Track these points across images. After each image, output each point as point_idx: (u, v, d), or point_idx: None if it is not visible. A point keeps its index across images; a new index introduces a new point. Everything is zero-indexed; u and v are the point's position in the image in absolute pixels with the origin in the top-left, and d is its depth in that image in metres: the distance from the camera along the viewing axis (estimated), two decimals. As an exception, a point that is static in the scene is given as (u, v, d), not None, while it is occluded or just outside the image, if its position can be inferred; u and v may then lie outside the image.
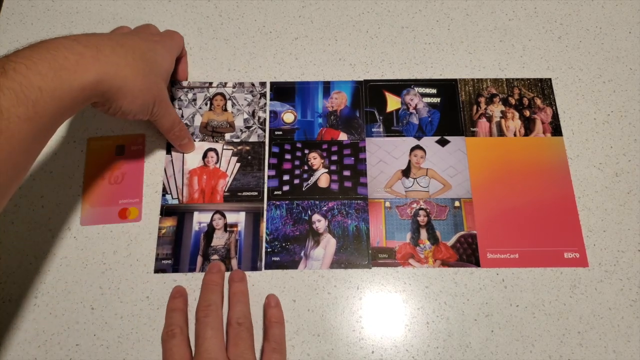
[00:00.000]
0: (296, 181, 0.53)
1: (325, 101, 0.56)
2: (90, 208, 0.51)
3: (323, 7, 0.61)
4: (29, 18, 0.61)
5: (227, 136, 0.54)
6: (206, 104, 0.56)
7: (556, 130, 0.55)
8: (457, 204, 0.52)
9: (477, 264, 0.49)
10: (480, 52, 0.59)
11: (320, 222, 0.51)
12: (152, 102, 0.46)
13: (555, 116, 0.56)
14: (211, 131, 0.55)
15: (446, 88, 0.57)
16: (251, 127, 0.54)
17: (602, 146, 0.54)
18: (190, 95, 0.56)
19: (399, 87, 0.57)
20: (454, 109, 0.56)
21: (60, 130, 0.55)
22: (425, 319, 0.48)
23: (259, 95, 0.55)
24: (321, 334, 0.47)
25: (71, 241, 0.50)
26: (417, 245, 0.50)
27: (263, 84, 0.57)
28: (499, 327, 0.47)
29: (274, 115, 0.56)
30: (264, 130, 0.55)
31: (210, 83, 0.57)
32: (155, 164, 0.54)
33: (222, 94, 0.56)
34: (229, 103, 0.56)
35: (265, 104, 0.56)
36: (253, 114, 0.55)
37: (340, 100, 0.57)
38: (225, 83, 0.57)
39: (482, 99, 0.56)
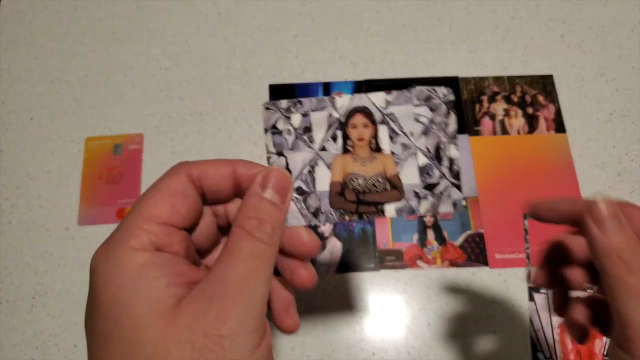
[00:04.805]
0: None
1: (325, 102, 0.56)
2: (87, 208, 0.51)
3: (323, 5, 0.61)
4: (27, 17, 0.60)
5: None
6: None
7: (560, 127, 0.55)
8: (463, 202, 0.51)
9: (486, 263, 0.49)
10: (481, 50, 0.58)
11: (325, 226, 0.51)
12: None
13: (558, 113, 0.55)
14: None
15: (447, 86, 0.56)
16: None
17: (604, 146, 0.54)
18: None
19: (400, 86, 0.57)
20: (456, 107, 0.56)
21: (58, 130, 0.54)
22: (427, 320, 0.47)
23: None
24: (321, 336, 0.46)
25: (69, 241, 0.50)
26: (425, 246, 0.50)
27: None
28: (500, 328, 0.47)
29: None
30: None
31: None
32: (153, 163, 0.53)
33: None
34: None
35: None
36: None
37: (340, 100, 0.56)
38: None
39: (485, 98, 0.56)
